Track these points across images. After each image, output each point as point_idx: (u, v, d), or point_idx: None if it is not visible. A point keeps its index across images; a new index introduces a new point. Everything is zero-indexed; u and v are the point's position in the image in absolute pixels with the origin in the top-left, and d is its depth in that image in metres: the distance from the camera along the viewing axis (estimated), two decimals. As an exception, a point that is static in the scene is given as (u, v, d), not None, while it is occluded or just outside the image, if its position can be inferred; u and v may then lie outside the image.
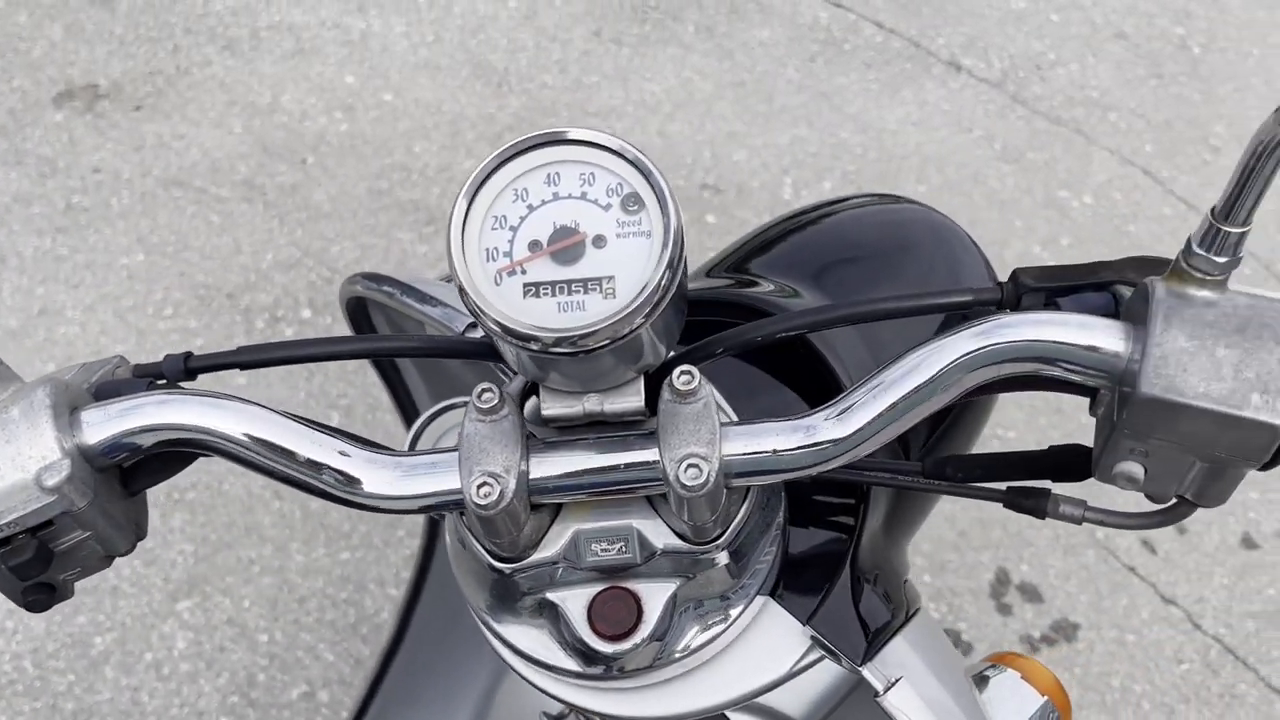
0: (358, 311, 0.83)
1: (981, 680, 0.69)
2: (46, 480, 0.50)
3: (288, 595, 1.70)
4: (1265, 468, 0.50)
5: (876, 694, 0.59)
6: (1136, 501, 0.59)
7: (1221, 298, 0.48)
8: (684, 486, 0.49)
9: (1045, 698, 0.67)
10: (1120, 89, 2.78)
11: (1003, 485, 0.60)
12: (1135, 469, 0.51)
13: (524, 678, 0.62)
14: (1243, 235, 0.48)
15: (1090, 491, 0.62)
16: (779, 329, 0.55)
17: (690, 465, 0.49)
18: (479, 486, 0.50)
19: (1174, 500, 0.55)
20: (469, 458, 0.51)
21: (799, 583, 0.63)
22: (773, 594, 0.60)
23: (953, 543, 1.89)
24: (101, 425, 0.52)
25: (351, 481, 0.53)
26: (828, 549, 0.65)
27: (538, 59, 2.57)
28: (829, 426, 0.51)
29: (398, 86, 2.44)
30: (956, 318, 0.56)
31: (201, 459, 0.56)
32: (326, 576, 1.70)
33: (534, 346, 0.48)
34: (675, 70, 2.62)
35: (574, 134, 0.49)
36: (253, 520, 1.77)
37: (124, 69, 2.41)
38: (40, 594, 0.54)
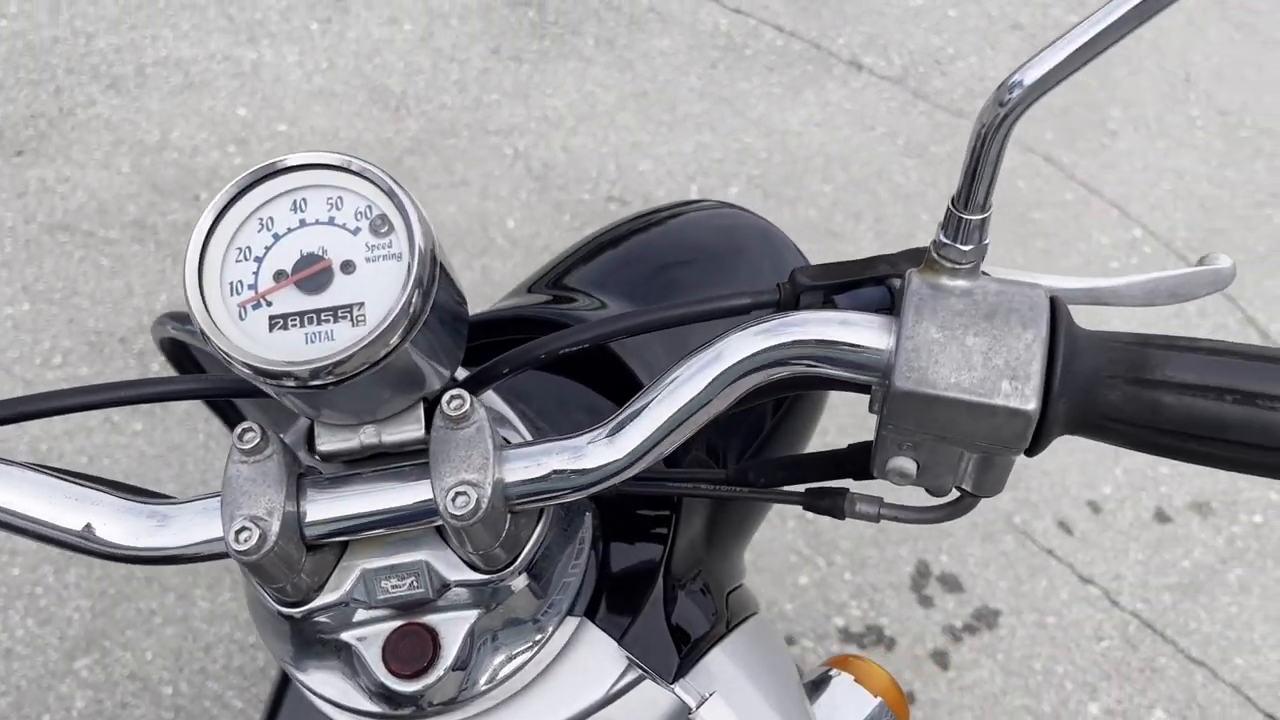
0: (177, 350, 0.80)
1: (818, 685, 0.68)
2: None
3: (193, 644, 1.65)
4: (1030, 453, 0.49)
5: (690, 712, 0.58)
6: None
7: (974, 285, 0.48)
8: (454, 516, 0.48)
9: (879, 699, 0.66)
10: (1019, 78, 2.82)
11: (804, 487, 0.59)
12: (907, 464, 0.50)
13: (326, 714, 0.59)
14: (984, 221, 0.48)
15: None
16: (561, 345, 0.54)
17: (459, 494, 0.48)
18: (238, 532, 0.48)
19: (958, 493, 0.54)
20: (230, 501, 0.49)
21: (614, 600, 0.61)
22: (588, 614, 0.59)
23: (872, 539, 1.89)
24: None
25: (102, 535, 0.50)
26: (642, 563, 0.63)
27: (435, 80, 2.55)
28: (601, 447, 0.50)
29: (292, 116, 2.40)
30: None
31: None
32: (233, 621, 1.65)
33: (289, 383, 0.46)
34: (576, 84, 2.61)
35: (313, 158, 0.48)
36: (152, 569, 1.72)
37: (3, 114, 2.35)
38: None
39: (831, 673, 0.68)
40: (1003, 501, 1.97)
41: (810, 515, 1.92)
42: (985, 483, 0.51)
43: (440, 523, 0.51)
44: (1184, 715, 1.75)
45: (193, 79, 2.44)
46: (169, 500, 0.53)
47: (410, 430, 0.51)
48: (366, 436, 0.51)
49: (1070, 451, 2.05)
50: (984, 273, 0.50)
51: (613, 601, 0.61)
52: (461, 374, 0.57)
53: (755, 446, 0.74)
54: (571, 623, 0.57)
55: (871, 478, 0.58)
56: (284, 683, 1.06)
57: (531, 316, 0.66)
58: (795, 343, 0.49)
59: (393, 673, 0.52)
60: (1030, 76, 0.44)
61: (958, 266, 0.48)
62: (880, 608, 1.81)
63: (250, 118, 2.38)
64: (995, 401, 0.46)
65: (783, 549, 1.86)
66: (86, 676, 1.61)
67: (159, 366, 1.97)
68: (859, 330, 0.48)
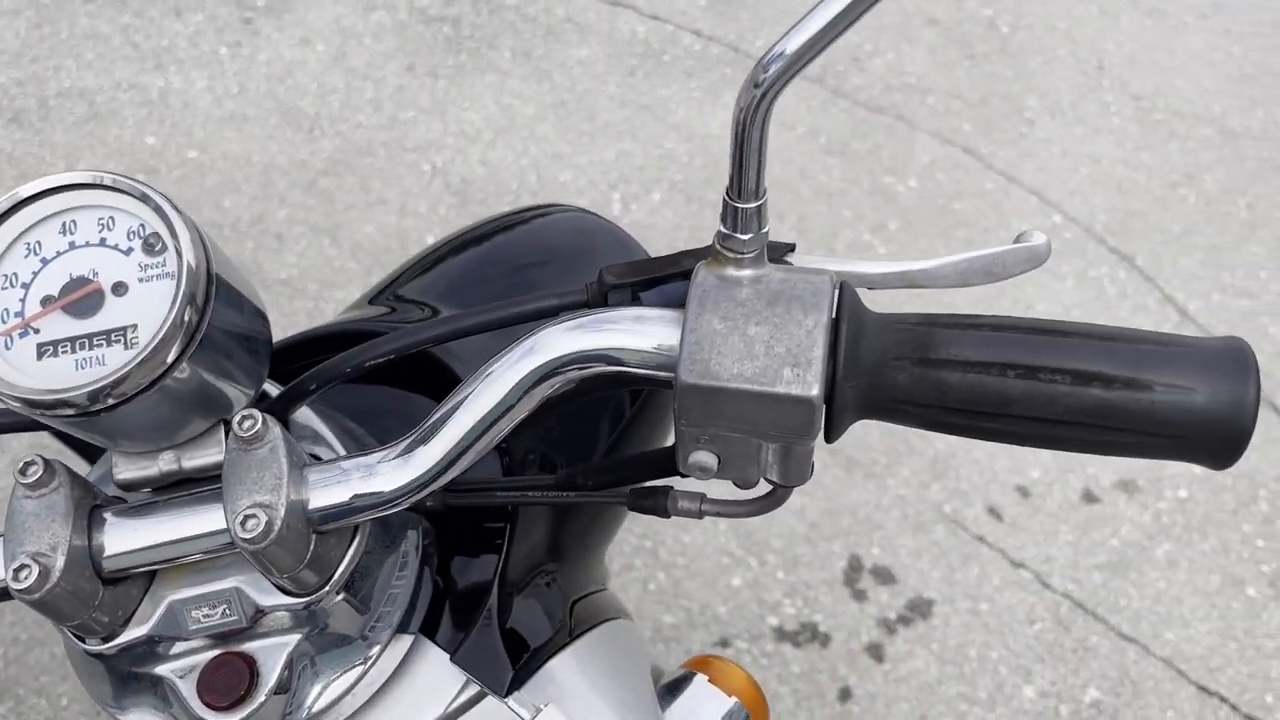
0: None
1: (674, 687, 0.67)
2: None
3: (112, 684, 1.62)
4: (829, 439, 0.49)
5: None
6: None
7: (760, 274, 0.47)
8: (245, 540, 0.46)
9: (734, 699, 0.65)
10: (936, 72, 2.85)
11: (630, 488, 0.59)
12: (708, 459, 0.50)
13: None
14: (759, 208, 0.47)
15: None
16: (368, 357, 0.53)
17: (249, 516, 0.46)
18: (17, 570, 0.46)
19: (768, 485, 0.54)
20: (12, 539, 0.47)
21: (449, 615, 0.60)
22: (424, 630, 0.58)
23: (804, 535, 1.89)
24: None
25: None
26: (478, 575, 0.62)
27: (350, 100, 2.52)
28: (392, 466, 0.49)
29: (203, 143, 2.36)
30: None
31: None
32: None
33: (66, 412, 0.44)
34: (494, 97, 2.60)
35: (81, 178, 0.46)
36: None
37: (-92, 154, 2.29)
38: None
39: (689, 674, 0.67)
40: (933, 491, 1.98)
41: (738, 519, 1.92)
42: (790, 472, 0.50)
43: (231, 550, 0.50)
44: (1117, 692, 1.77)
45: (98, 109, 2.40)
46: None
47: (212, 454, 0.50)
48: (165, 463, 0.50)
49: (997, 438, 2.07)
50: (787, 261, 0.49)
51: (448, 616, 0.60)
52: (275, 392, 0.55)
53: (608, 449, 0.74)
54: (405, 640, 0.56)
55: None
56: None
57: (353, 330, 0.65)
58: (590, 344, 0.48)
59: (208, 705, 0.50)
60: (782, 56, 0.44)
61: (741, 256, 0.48)
62: (814, 604, 1.81)
63: (159, 146, 2.34)
64: (777, 390, 0.45)
65: (715, 552, 1.86)
66: (1, 725, 1.56)
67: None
68: (649, 325, 0.48)
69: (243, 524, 0.46)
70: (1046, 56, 2.95)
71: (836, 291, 0.47)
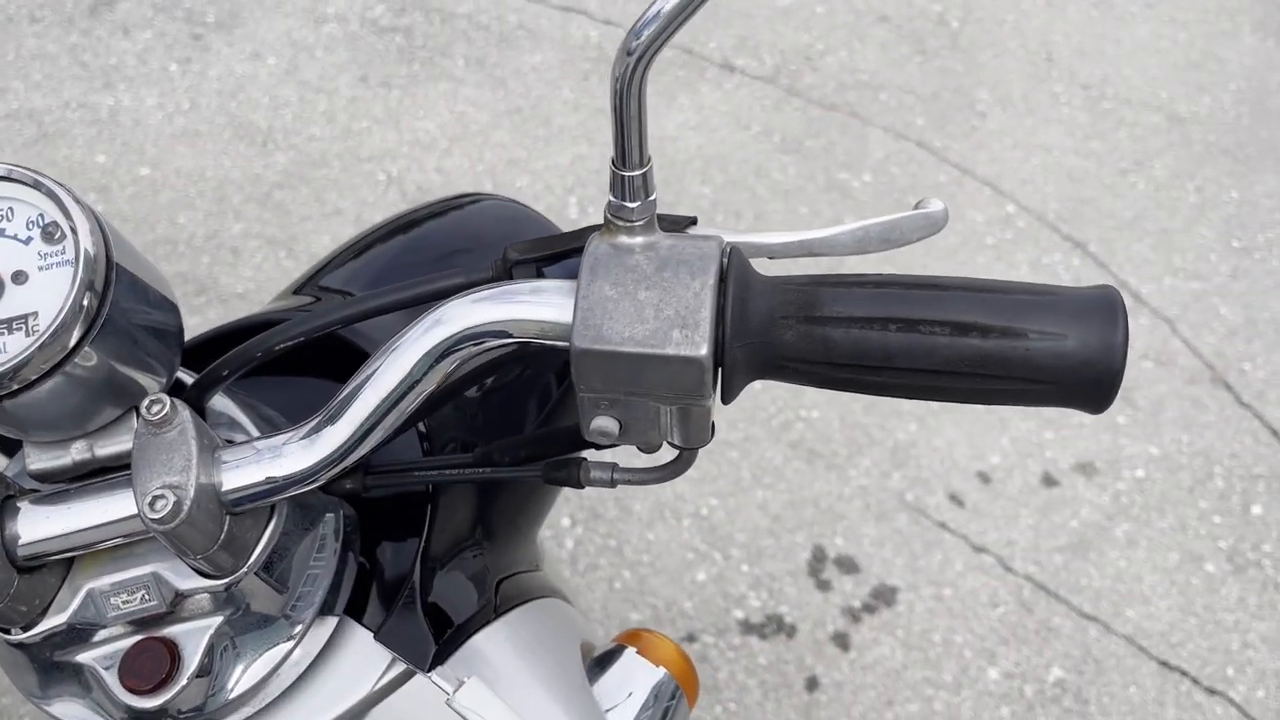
0: None
1: (603, 661, 0.67)
2: None
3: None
4: (725, 399, 0.50)
5: (447, 698, 0.57)
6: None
7: (651, 241, 0.48)
8: (153, 520, 0.47)
9: (663, 670, 0.66)
10: (888, 69, 2.88)
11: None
12: (609, 424, 0.50)
13: None
14: (644, 175, 0.48)
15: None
16: (278, 340, 0.53)
17: (158, 497, 0.47)
18: None
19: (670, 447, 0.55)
20: None
21: (373, 595, 0.60)
22: (349, 612, 0.58)
23: (767, 528, 1.90)
24: None
25: None
26: (400, 555, 0.63)
27: (303, 112, 2.52)
28: (297, 448, 0.50)
29: (154, 160, 2.36)
30: None
31: None
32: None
33: None
34: (448, 105, 2.60)
35: None
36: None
37: None
38: None
39: (618, 648, 0.67)
40: (893, 480, 1.99)
41: (705, 511, 1.93)
42: (690, 434, 0.51)
43: (144, 534, 0.50)
44: (1080, 671, 1.79)
45: (47, 129, 2.39)
46: None
47: (124, 441, 0.50)
48: (78, 452, 0.50)
49: (957, 424, 2.09)
50: (686, 233, 0.50)
51: (373, 597, 0.60)
52: (189, 381, 0.56)
53: (538, 426, 0.74)
54: (330, 622, 0.56)
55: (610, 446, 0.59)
56: None
57: (271, 320, 0.65)
58: (490, 316, 0.49)
59: (130, 689, 0.51)
60: (655, 19, 0.45)
61: (631, 224, 0.49)
62: (779, 596, 1.82)
63: (110, 164, 2.33)
64: (667, 351, 0.46)
65: (679, 548, 1.86)
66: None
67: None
68: (545, 296, 0.49)
69: (151, 505, 0.47)
70: (996, 50, 2.98)
71: (725, 256, 0.48)
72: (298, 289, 0.81)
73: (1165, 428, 2.15)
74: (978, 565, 1.90)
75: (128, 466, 0.51)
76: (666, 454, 0.57)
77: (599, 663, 0.67)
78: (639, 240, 0.48)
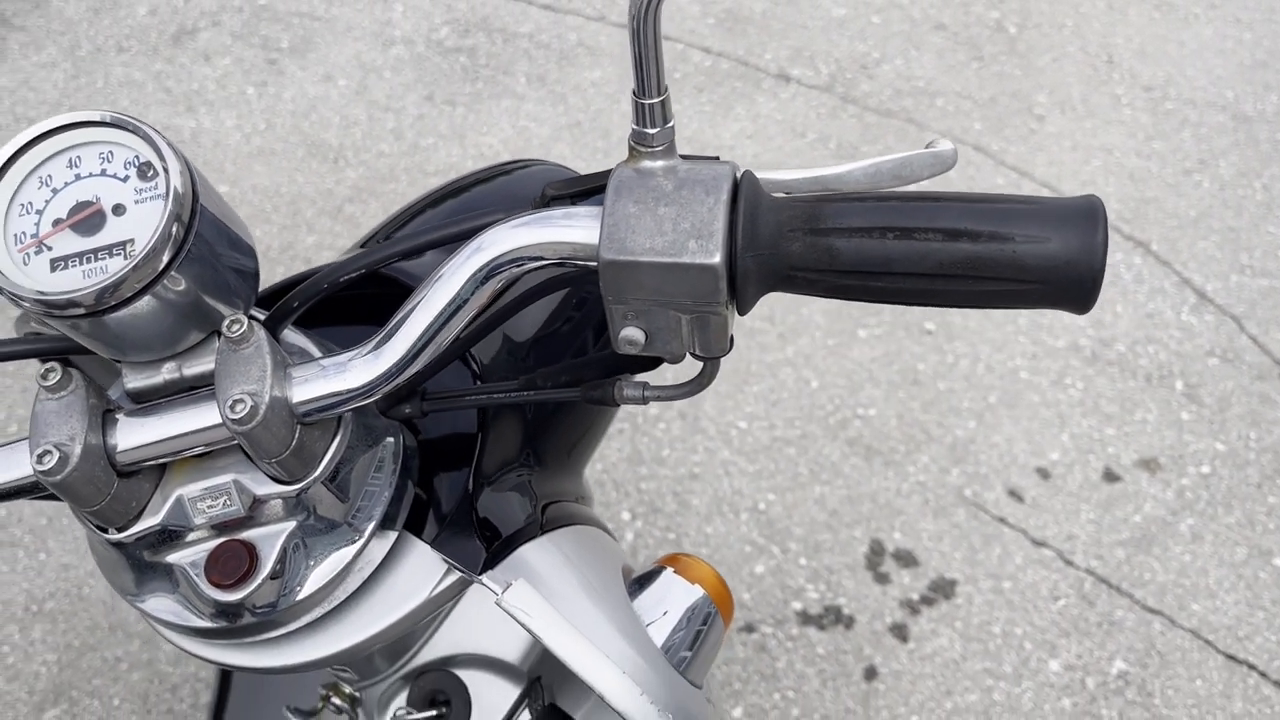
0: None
1: (642, 582, 0.71)
2: None
3: (159, 686, 1.68)
4: (741, 310, 0.54)
5: (497, 598, 0.62)
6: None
7: (670, 165, 0.53)
8: (233, 421, 0.52)
9: (700, 589, 0.69)
10: (944, 76, 2.89)
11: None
12: (636, 333, 0.55)
13: (179, 647, 0.63)
14: (664, 102, 0.53)
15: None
16: (342, 273, 0.58)
17: (237, 401, 0.52)
18: (40, 455, 0.52)
19: (690, 357, 0.59)
20: (36, 433, 0.54)
21: (431, 511, 0.66)
22: (408, 528, 0.63)
23: (825, 523, 1.92)
24: None
25: None
26: (454, 474, 0.68)
27: (372, 130, 2.62)
28: (369, 358, 0.55)
29: (233, 177, 2.47)
30: None
31: None
32: (198, 661, 1.68)
33: (75, 311, 0.50)
34: (510, 121, 2.68)
35: (82, 117, 0.53)
36: (117, 619, 1.75)
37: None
38: None
39: (658, 569, 0.71)
40: (952, 476, 2.00)
41: (763, 506, 1.95)
42: (710, 343, 0.55)
43: (226, 442, 0.56)
44: (1144, 663, 1.77)
45: (135, 151, 2.51)
46: None
47: (207, 362, 0.56)
48: (168, 372, 0.56)
49: (1016, 421, 2.09)
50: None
51: (430, 513, 0.65)
52: (263, 319, 0.61)
53: (592, 349, 0.79)
54: (389, 536, 0.61)
55: (644, 369, 0.63)
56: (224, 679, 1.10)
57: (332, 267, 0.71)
58: (524, 245, 0.54)
59: (213, 584, 0.56)
60: None
61: (653, 149, 0.53)
62: (837, 588, 1.84)
63: (192, 182, 2.44)
64: (684, 260, 0.51)
65: (737, 541, 1.89)
66: (55, 726, 1.63)
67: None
68: (576, 220, 0.53)
69: (232, 408, 0.53)
70: (1055, 54, 2.98)
71: (737, 177, 0.53)
72: (364, 243, 0.87)
73: (1231, 424, 2.12)
74: (1038, 559, 1.90)
75: (212, 385, 0.56)
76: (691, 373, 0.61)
77: (638, 583, 0.71)
78: (659, 164, 0.53)
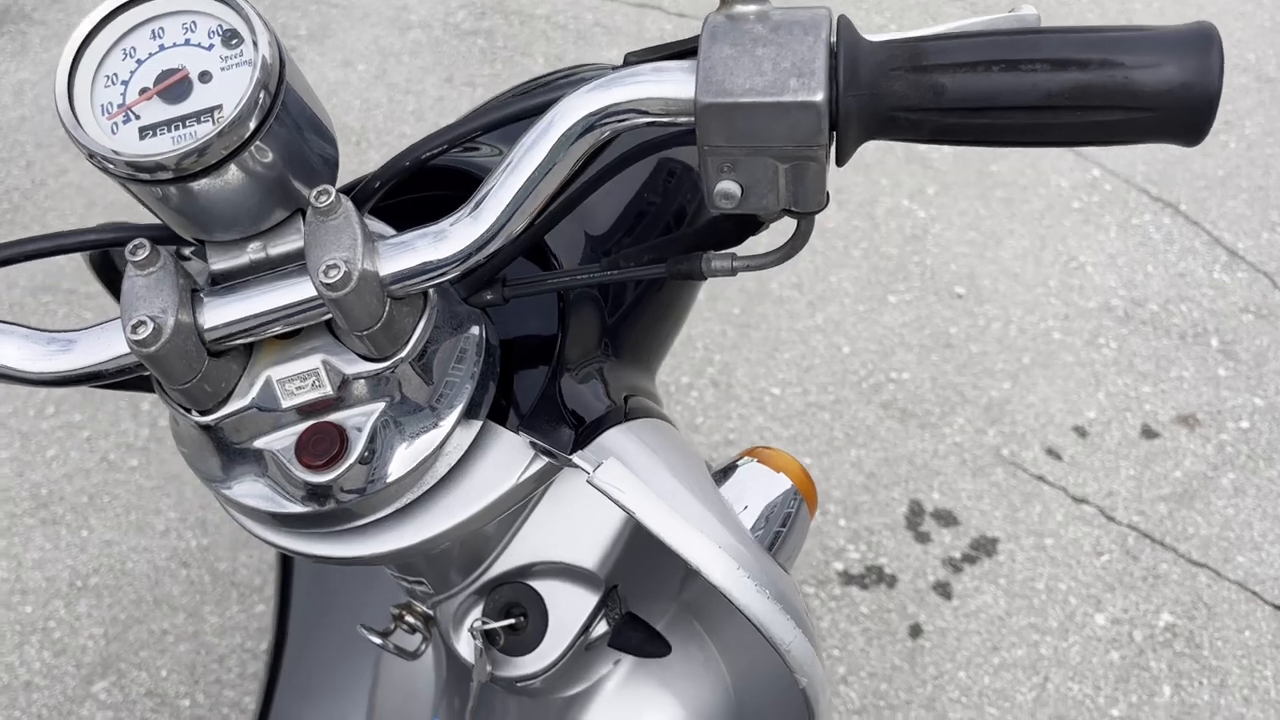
0: (104, 267, 0.85)
1: (726, 472, 0.71)
2: None
3: (206, 657, 1.68)
4: (840, 160, 0.53)
5: (588, 476, 0.61)
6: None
7: (763, 9, 0.52)
8: (326, 287, 0.52)
9: (784, 477, 0.69)
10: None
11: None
12: (732, 187, 0.54)
13: (264, 538, 0.63)
14: None
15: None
16: (424, 149, 0.58)
17: (331, 266, 0.52)
18: (135, 326, 0.52)
19: (783, 216, 0.57)
20: (128, 308, 0.53)
21: (513, 398, 0.65)
22: (491, 416, 0.63)
23: (862, 485, 1.91)
24: None
25: (6, 362, 0.55)
26: (538, 362, 0.67)
27: (393, 113, 2.62)
28: (464, 225, 0.54)
29: (257, 161, 2.47)
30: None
31: None
32: (244, 632, 1.68)
33: (164, 175, 0.50)
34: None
35: None
36: (161, 592, 1.75)
37: (-16, 194, 2.42)
38: None
39: (739, 461, 0.71)
40: (989, 437, 1.99)
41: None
42: (806, 196, 0.54)
43: (328, 315, 0.55)
44: (1191, 615, 1.76)
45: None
46: (63, 332, 0.57)
47: (292, 241, 0.55)
48: (253, 251, 0.56)
49: (1050, 381, 2.08)
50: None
51: (514, 400, 0.65)
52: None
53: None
54: (474, 425, 0.61)
55: (726, 246, 0.62)
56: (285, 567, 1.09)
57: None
58: (616, 97, 0.53)
59: (305, 465, 0.56)
60: None
61: None
62: (878, 549, 1.83)
63: (217, 167, 2.44)
64: (785, 99, 0.50)
65: (776, 505, 1.88)
66: (105, 699, 1.63)
67: (149, 405, 2.02)
68: (667, 74, 0.53)
69: (325, 273, 0.52)
70: (1074, 21, 2.96)
71: (834, 20, 0.52)
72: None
73: (1269, 379, 2.11)
74: (1079, 515, 1.88)
75: (296, 264, 0.56)
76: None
77: (720, 475, 0.71)
78: (752, 9, 0.52)
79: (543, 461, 0.63)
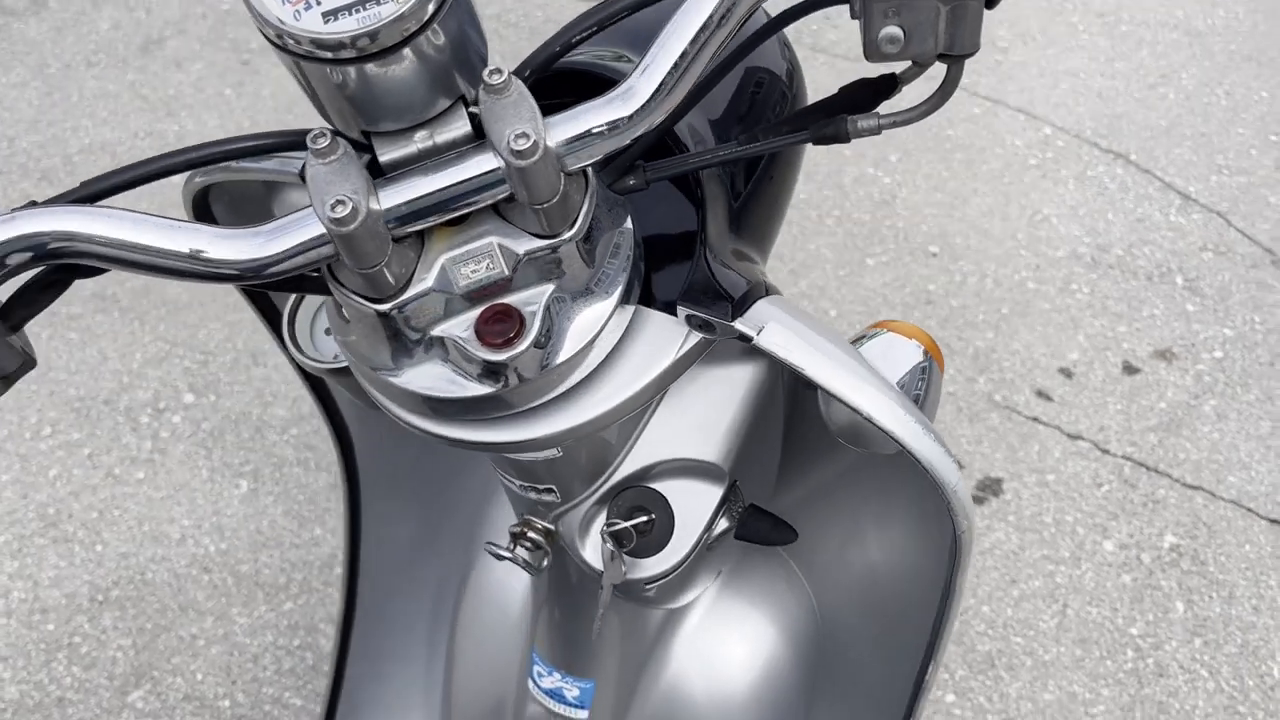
0: (200, 207, 0.85)
1: (857, 343, 0.74)
2: None
3: (240, 657, 1.66)
4: (989, 3, 0.56)
5: (751, 340, 0.63)
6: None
7: None
8: (516, 154, 0.53)
9: (920, 345, 0.72)
10: (906, 20, 2.95)
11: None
12: (895, 30, 0.56)
13: (435, 434, 0.64)
14: None
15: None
16: (572, 34, 0.59)
17: (519, 135, 0.53)
18: (333, 205, 0.53)
19: (938, 60, 0.60)
20: (318, 192, 0.54)
21: (661, 282, 0.67)
22: (642, 301, 0.65)
23: (867, 439, 1.96)
24: None
25: (211, 256, 0.55)
26: (681, 245, 0.69)
27: (358, 117, 2.62)
28: (638, 84, 0.56)
29: (227, 172, 2.45)
30: None
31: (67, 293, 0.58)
32: (275, 630, 1.66)
33: (346, 54, 0.51)
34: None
35: None
36: (185, 599, 1.73)
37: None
38: None
39: (871, 333, 0.74)
40: (979, 384, 2.05)
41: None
42: (964, 37, 0.56)
43: (496, 194, 0.56)
44: (1193, 535, 1.83)
45: (120, 158, 2.48)
46: (254, 228, 0.57)
47: (458, 128, 0.56)
48: (420, 140, 0.57)
49: (1031, 329, 2.14)
50: None
51: (660, 284, 0.67)
52: None
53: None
54: (628, 310, 0.63)
55: (866, 109, 0.64)
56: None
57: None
58: None
59: (487, 345, 0.57)
60: None
61: None
62: (890, 498, 1.87)
63: (181, 181, 2.42)
64: None
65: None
66: (142, 707, 1.61)
67: (148, 418, 1.99)
68: None
69: (514, 141, 0.53)
70: (1009, -10, 3.06)
71: None
72: None
73: (1235, 310, 2.20)
74: (1075, 451, 1.95)
75: (463, 150, 0.57)
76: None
77: (855, 344, 0.73)
78: None
79: (697, 337, 0.65)
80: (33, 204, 0.57)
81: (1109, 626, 1.73)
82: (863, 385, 0.62)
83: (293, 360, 0.87)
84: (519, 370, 0.59)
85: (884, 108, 0.66)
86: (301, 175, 0.71)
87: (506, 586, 1.05)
